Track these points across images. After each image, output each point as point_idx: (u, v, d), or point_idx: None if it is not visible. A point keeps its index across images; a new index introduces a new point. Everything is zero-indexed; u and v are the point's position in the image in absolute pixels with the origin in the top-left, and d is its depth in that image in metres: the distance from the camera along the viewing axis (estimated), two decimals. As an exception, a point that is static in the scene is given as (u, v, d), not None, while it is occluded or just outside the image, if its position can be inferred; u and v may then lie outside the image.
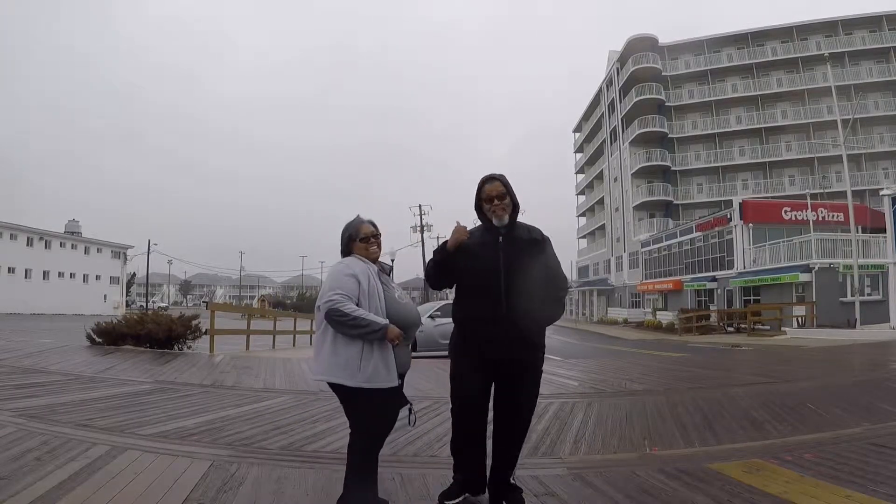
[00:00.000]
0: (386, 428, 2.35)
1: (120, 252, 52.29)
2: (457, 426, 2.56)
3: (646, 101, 39.81)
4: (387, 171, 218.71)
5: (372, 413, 2.28)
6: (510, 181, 2.52)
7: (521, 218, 2.58)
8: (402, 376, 2.44)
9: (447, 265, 2.50)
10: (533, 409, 2.59)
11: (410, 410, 2.46)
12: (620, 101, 43.31)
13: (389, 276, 2.56)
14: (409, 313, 2.44)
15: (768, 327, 20.94)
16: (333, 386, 2.29)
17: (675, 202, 39.66)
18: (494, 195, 2.44)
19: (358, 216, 2.53)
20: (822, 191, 29.31)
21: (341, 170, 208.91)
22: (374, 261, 2.46)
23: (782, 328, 19.79)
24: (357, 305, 2.25)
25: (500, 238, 2.46)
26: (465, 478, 2.57)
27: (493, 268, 2.41)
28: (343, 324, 2.21)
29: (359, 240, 2.44)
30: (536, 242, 2.49)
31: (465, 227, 2.51)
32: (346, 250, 2.46)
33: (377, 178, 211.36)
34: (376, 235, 2.48)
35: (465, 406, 2.52)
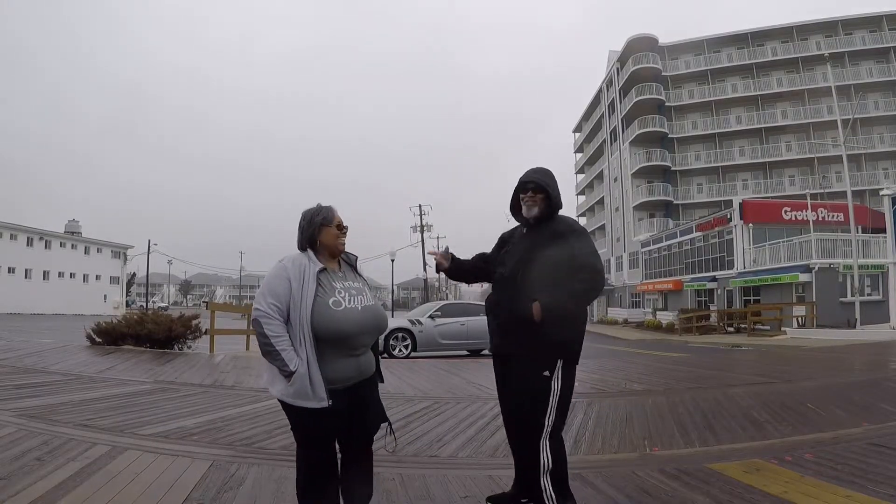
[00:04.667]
0: (312, 453, 2.12)
1: (120, 252, 52.33)
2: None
3: (646, 101, 39.80)
4: (390, 170, 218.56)
5: (297, 431, 2.15)
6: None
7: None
8: (356, 388, 2.13)
9: (459, 272, 2.70)
10: (534, 406, 2.30)
11: (390, 431, 2.25)
12: (620, 102, 43.29)
13: (354, 268, 2.28)
14: (347, 321, 2.05)
15: (768, 327, 20.95)
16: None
17: (675, 202, 39.66)
18: (530, 188, 2.49)
19: (320, 203, 2.25)
20: (822, 191, 29.26)
21: (342, 169, 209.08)
22: (339, 253, 2.21)
23: (782, 328, 19.80)
24: (288, 313, 2.01)
25: (525, 229, 2.55)
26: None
27: (511, 257, 2.47)
28: (259, 342, 2.02)
29: (334, 225, 2.16)
30: (561, 234, 2.41)
31: (441, 254, 2.65)
32: (311, 237, 2.15)
33: (379, 177, 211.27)
34: (345, 227, 2.22)
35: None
